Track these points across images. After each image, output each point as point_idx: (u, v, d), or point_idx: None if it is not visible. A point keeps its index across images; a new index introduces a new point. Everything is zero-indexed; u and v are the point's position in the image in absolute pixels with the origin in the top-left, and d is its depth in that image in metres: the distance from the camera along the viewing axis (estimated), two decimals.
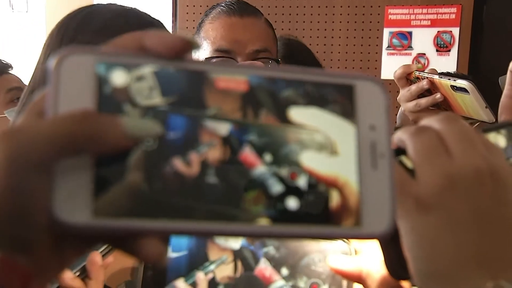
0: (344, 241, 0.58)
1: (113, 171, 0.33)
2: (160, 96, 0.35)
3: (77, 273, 0.87)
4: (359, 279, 0.56)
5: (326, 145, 0.37)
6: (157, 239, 0.34)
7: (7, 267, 0.31)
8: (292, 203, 0.36)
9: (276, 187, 0.35)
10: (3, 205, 0.31)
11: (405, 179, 0.45)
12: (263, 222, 0.35)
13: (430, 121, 0.47)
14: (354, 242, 0.58)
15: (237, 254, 0.56)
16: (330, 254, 0.57)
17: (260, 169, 0.35)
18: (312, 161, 0.37)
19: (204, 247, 0.56)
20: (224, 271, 0.56)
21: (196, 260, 0.56)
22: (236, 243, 0.56)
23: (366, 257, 0.57)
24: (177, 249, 0.56)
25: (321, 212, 0.36)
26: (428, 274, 0.43)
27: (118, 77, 0.35)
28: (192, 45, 0.36)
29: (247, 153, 0.35)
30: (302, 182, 0.36)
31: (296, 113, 0.37)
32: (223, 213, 0.34)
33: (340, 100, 0.38)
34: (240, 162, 0.35)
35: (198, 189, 0.34)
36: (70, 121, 0.32)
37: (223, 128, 0.35)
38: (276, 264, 0.57)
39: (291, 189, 0.36)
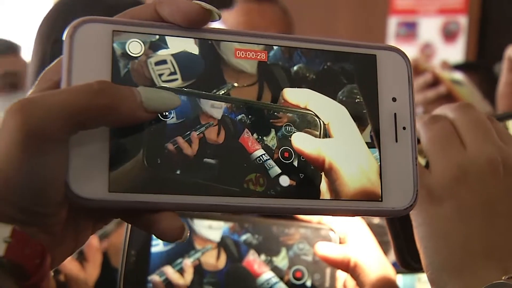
0: (331, 229, 0.58)
1: (129, 145, 0.33)
2: (176, 69, 0.35)
3: (74, 256, 0.88)
4: (346, 267, 0.56)
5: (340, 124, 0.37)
6: (174, 213, 0.34)
7: (22, 241, 0.30)
8: (304, 178, 0.36)
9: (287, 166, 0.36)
10: (17, 178, 0.30)
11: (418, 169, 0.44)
12: (276, 197, 0.35)
13: (445, 110, 0.46)
14: (340, 231, 0.58)
15: (220, 243, 0.57)
16: (315, 241, 0.57)
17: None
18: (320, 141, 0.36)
19: (190, 237, 0.56)
20: (209, 259, 0.56)
21: (182, 249, 0.56)
22: (217, 234, 0.57)
23: (354, 246, 0.57)
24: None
25: (336, 186, 0.36)
26: (440, 266, 0.42)
27: (134, 48, 0.34)
28: (211, 15, 0.35)
29: (251, 135, 0.35)
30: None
31: (307, 96, 0.37)
32: (238, 189, 0.34)
33: (361, 70, 0.37)
34: (246, 143, 0.35)
35: (209, 166, 0.34)
36: (86, 92, 0.31)
37: (232, 109, 0.35)
38: (259, 251, 0.57)
39: (301, 169, 0.36)
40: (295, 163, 0.36)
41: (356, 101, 0.37)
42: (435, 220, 0.43)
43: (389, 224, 0.51)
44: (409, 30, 2.63)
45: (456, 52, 2.55)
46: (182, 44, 0.35)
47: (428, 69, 1.25)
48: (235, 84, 0.36)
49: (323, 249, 0.56)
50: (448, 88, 1.21)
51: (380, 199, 0.36)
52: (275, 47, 0.37)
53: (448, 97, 1.23)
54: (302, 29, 1.85)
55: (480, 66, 1.82)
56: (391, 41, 2.63)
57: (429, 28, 2.60)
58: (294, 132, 0.36)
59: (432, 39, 2.60)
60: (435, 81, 1.23)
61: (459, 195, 0.42)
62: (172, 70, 0.35)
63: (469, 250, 0.42)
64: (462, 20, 2.56)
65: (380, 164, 0.37)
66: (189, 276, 0.55)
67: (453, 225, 0.42)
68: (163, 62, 0.35)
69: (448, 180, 0.43)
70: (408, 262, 0.50)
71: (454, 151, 0.43)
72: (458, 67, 1.54)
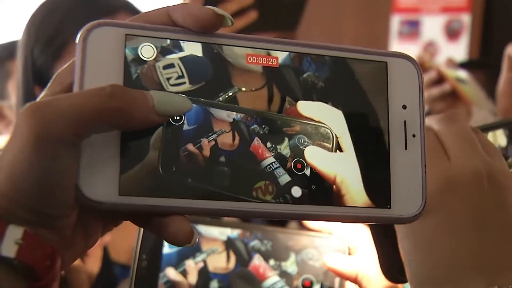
0: (341, 239, 0.58)
1: (140, 149, 0.33)
2: (183, 72, 0.35)
3: None
4: (354, 280, 0.56)
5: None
6: (184, 217, 0.34)
7: (32, 243, 0.31)
8: (311, 185, 0.36)
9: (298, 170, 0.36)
10: (29, 181, 0.30)
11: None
12: (286, 203, 0.35)
13: (429, 121, 0.46)
14: (349, 240, 0.58)
15: (229, 244, 0.56)
16: (325, 251, 0.57)
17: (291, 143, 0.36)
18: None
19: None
20: (217, 261, 0.56)
21: (187, 251, 0.56)
22: (223, 235, 0.57)
23: (363, 258, 0.57)
24: None
25: (344, 193, 0.36)
26: (425, 278, 0.42)
27: (146, 52, 0.34)
28: (224, 20, 0.35)
29: (262, 142, 0.35)
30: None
31: (315, 108, 0.37)
32: (247, 196, 0.34)
33: (372, 77, 0.37)
34: (257, 151, 0.35)
35: (219, 173, 0.34)
36: (99, 95, 0.31)
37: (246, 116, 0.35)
38: (267, 257, 0.56)
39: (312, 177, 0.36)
40: (307, 174, 0.36)
41: (366, 108, 0.37)
42: (420, 232, 0.43)
43: (373, 235, 0.51)
44: (412, 28, 2.62)
45: (459, 50, 2.54)
46: (193, 48, 0.35)
47: (433, 66, 1.26)
48: (243, 89, 0.36)
49: (332, 261, 0.56)
50: (452, 86, 1.22)
51: (388, 206, 0.36)
52: (285, 53, 0.37)
53: (453, 95, 1.23)
54: (305, 26, 1.84)
55: (488, 65, 1.82)
56: (394, 40, 2.62)
57: (432, 26, 2.60)
58: (308, 144, 0.36)
59: (435, 37, 2.59)
60: (440, 79, 1.24)
61: (446, 206, 0.42)
62: (180, 73, 0.35)
63: (456, 262, 0.41)
64: (465, 19, 2.55)
65: (389, 172, 0.37)
66: (193, 279, 0.55)
67: (439, 236, 0.42)
68: (171, 65, 0.35)
69: (434, 192, 0.42)
70: (393, 273, 0.49)
71: (438, 162, 0.43)
72: (463, 65, 1.54)
